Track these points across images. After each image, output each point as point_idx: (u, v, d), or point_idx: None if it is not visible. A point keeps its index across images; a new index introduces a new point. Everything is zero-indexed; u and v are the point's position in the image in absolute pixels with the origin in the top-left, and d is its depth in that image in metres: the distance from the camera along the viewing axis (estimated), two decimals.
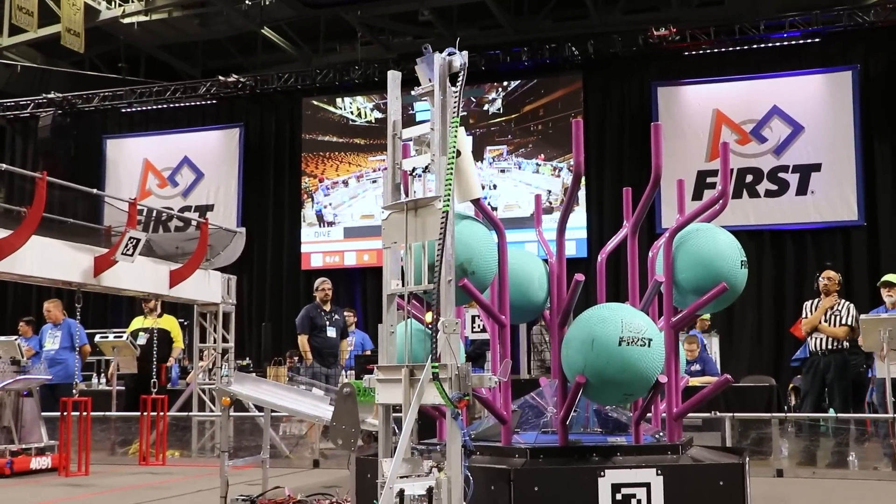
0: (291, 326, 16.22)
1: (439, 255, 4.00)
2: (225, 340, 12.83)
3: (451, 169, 4.11)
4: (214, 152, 20.69)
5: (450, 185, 4.09)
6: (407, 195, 4.53)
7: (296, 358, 14.61)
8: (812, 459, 9.99)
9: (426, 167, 4.37)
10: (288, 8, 18.45)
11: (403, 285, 4.45)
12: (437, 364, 3.98)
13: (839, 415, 10.17)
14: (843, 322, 10.87)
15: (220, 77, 20.05)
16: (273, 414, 11.19)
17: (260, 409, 8.39)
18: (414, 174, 4.48)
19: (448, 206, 4.05)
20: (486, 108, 19.16)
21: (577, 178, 5.33)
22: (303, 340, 11.98)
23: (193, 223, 14.20)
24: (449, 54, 4.37)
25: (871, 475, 9.40)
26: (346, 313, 15.01)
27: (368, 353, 13.57)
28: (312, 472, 9.92)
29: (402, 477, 3.99)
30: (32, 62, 20.86)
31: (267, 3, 18.21)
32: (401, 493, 3.84)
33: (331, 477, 9.62)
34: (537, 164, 18.59)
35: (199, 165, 20.68)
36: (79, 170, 19.40)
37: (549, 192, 17.67)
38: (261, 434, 11.34)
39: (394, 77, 4.56)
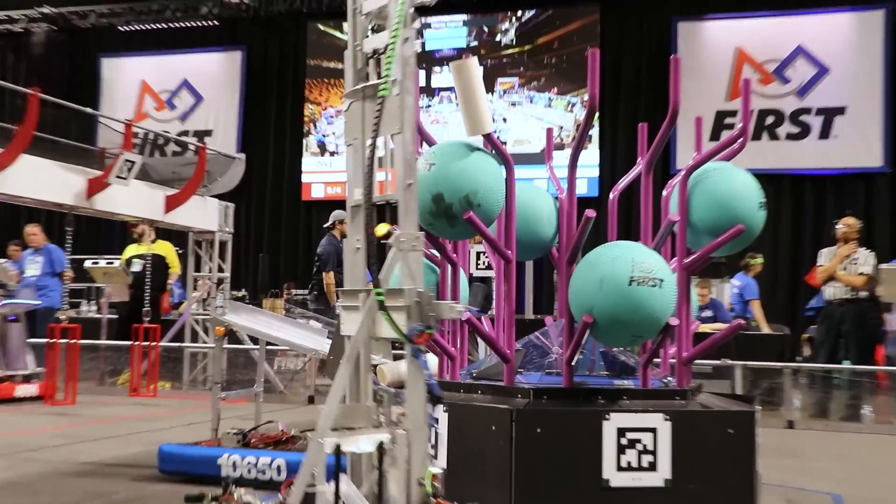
0: (289, 258, 16.31)
1: (370, 155, 3.56)
2: (221, 270, 12.83)
3: (394, 43, 3.50)
4: (215, 76, 20.59)
5: (390, 63, 3.53)
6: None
7: (293, 290, 14.65)
8: (824, 412, 10.03)
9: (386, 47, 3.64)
10: None
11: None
12: (381, 290, 3.40)
13: (854, 366, 10.19)
14: (862, 271, 10.85)
15: None
16: (268, 347, 11.25)
17: (255, 341, 8.37)
18: (374, 56, 3.84)
19: (386, 89, 3.51)
20: (498, 38, 19.01)
21: (592, 112, 5.26)
22: (330, 277, 11.71)
23: (191, 147, 14.09)
24: None
25: (886, 429, 9.46)
26: None
27: None
28: (307, 409, 9.96)
29: (346, 429, 3.48)
30: None
31: None
32: (337, 449, 3.31)
33: None
34: (550, 99, 18.48)
35: (199, 89, 20.60)
36: (73, 89, 19.27)
37: (562, 127, 17.58)
38: (255, 368, 11.38)
39: None
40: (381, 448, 3.35)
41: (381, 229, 3.51)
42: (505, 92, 18.75)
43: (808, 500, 5.42)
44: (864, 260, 10.90)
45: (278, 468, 5.41)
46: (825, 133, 16.89)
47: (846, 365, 10.18)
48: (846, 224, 11.13)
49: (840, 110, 16.89)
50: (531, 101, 18.60)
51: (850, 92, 16.87)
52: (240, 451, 5.58)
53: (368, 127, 3.60)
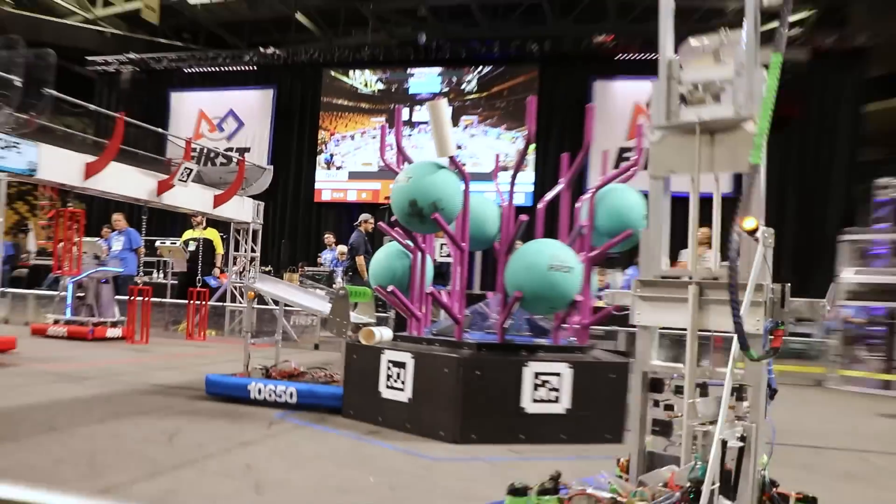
0: (304, 244, 16.29)
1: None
2: (253, 251, 12.81)
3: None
4: (253, 107, 20.52)
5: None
6: None
7: (306, 267, 14.66)
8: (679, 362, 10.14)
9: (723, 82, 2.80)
10: None
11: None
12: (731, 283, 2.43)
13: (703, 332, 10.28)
14: (708, 266, 10.97)
15: (261, 48, 19.98)
16: (286, 308, 11.25)
17: (276, 303, 8.44)
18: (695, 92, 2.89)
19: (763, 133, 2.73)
20: (463, 86, 19.01)
21: (528, 143, 5.32)
22: (361, 260, 11.87)
23: (234, 160, 14.08)
24: None
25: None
26: (327, 235, 15.34)
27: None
28: (314, 353, 9.99)
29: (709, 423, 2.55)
30: (118, 30, 20.74)
31: None
32: (723, 443, 2.40)
33: (327, 357, 9.71)
34: (499, 133, 18.55)
35: (241, 116, 20.53)
36: (149, 115, 19.09)
37: (507, 154, 17.59)
38: (276, 322, 11.43)
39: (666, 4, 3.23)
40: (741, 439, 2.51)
41: (749, 223, 2.63)
42: (466, 126, 18.77)
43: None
44: (712, 258, 11.03)
45: (291, 394, 5.47)
46: None
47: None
48: (702, 232, 11.21)
49: None
50: (485, 134, 18.65)
51: None
52: (263, 380, 5.63)
53: (704, 162, 2.96)
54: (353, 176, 19.37)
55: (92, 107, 10.67)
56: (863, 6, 17.39)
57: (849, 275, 9.29)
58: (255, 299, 6.80)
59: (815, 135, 16.85)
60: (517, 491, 2.74)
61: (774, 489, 2.66)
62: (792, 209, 16.70)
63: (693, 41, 2.97)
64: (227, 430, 4.59)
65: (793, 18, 18.75)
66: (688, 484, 2.46)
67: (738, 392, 2.63)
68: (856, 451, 5.07)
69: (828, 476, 4.20)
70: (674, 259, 11.68)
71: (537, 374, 4.62)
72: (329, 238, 15.36)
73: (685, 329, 2.84)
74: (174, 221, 17.67)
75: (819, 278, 15.94)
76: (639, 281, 2.98)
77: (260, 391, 5.55)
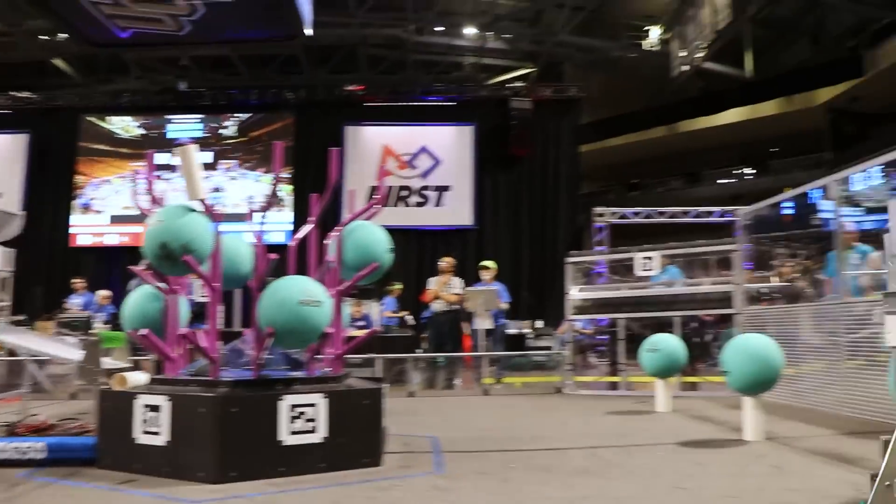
0: (62, 289, 14.82)
1: None
2: (2, 300, 11.48)
3: None
4: (5, 151, 18.61)
5: None
6: None
7: (60, 314, 13.38)
8: (433, 384, 10.32)
9: None
10: (75, 45, 17.09)
11: None
12: None
13: (451, 354, 10.56)
14: (455, 292, 11.33)
15: (15, 92, 18.23)
16: (38, 358, 10.15)
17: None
18: None
19: None
20: (222, 132, 18.41)
21: (276, 183, 5.14)
22: None
23: None
24: None
25: (470, 394, 9.85)
26: (75, 281, 14.07)
27: None
28: (71, 403, 9.07)
29: None
30: None
31: (59, 38, 16.73)
32: None
33: (86, 407, 8.86)
34: (258, 176, 18.11)
35: None
36: None
37: (265, 196, 17.20)
38: (29, 374, 10.27)
39: None
40: None
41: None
42: (227, 169, 18.16)
43: (417, 442, 5.50)
44: (457, 284, 11.39)
45: (39, 449, 4.83)
46: (438, 202, 17.59)
47: (446, 354, 10.55)
48: (446, 261, 11.61)
49: (447, 188, 17.66)
50: (245, 177, 18.15)
51: (453, 176, 17.69)
52: (4, 438, 4.94)
53: None
54: (116, 220, 18.07)
55: None
56: (573, 64, 18.86)
57: (575, 292, 9.87)
58: (2, 351, 6.03)
59: (540, 172, 17.95)
60: None
61: None
62: (527, 236, 17.65)
63: None
64: None
65: (518, 73, 19.98)
66: None
67: None
68: (588, 447, 5.28)
69: (565, 473, 4.32)
70: (423, 286, 11.80)
71: (293, 406, 4.41)
72: (78, 283, 14.04)
73: None
74: None
75: (554, 296, 16.95)
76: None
77: (1, 450, 4.84)
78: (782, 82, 24.13)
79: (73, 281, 14.21)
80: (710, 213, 16.59)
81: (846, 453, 4.67)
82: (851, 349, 5.95)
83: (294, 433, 4.39)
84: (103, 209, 18.15)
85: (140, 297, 5.27)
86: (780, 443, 5.15)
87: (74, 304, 13.47)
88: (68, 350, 5.68)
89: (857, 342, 5.89)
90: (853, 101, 24.14)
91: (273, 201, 5.42)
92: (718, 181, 29.45)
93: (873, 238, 8.52)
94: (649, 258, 9.66)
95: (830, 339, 6.29)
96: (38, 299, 15.00)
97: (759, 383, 5.27)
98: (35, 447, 4.79)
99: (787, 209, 18.27)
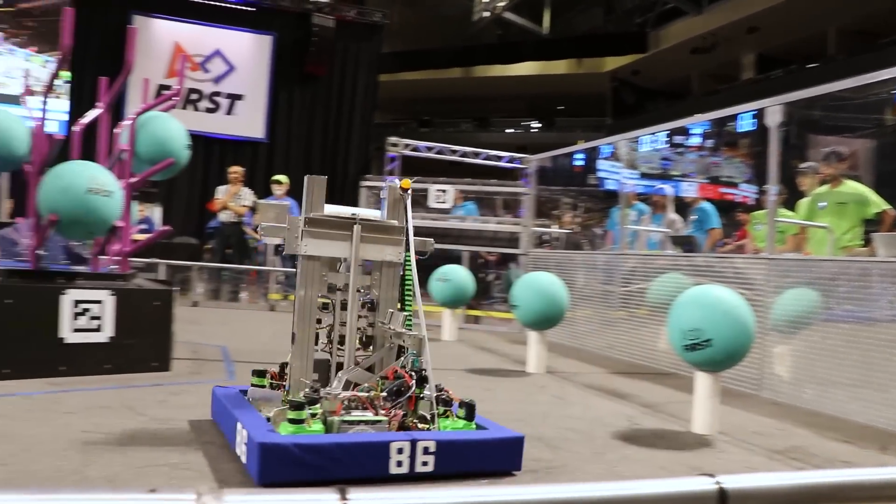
0: None
1: None
2: None
3: None
4: None
5: None
6: None
7: None
8: (217, 295, 10.00)
9: None
10: None
11: None
12: None
13: (236, 265, 10.26)
14: (244, 203, 11.02)
15: None
16: None
17: None
18: None
19: None
20: None
21: (64, 57, 4.59)
22: None
23: None
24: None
25: (253, 307, 9.68)
26: None
27: None
28: None
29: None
30: None
31: None
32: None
33: None
34: (29, 55, 16.25)
35: None
36: None
37: (38, 79, 15.46)
38: None
39: None
40: None
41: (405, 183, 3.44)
42: None
43: (206, 350, 5.32)
44: (246, 196, 11.05)
45: None
46: (230, 111, 16.78)
47: (230, 265, 10.25)
48: (234, 171, 11.21)
49: (240, 97, 16.85)
50: (12, 54, 16.21)
51: (248, 85, 16.90)
52: None
53: None
54: None
55: None
56: None
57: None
58: None
59: (337, 94, 17.63)
60: (259, 373, 3.22)
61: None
62: (318, 157, 17.35)
63: None
64: None
65: None
66: (411, 370, 2.93)
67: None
68: None
69: None
70: (211, 196, 11.34)
71: (77, 303, 4.07)
72: None
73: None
74: None
75: None
76: (307, 218, 3.12)
77: None
78: (575, 44, 25.37)
79: None
80: (499, 158, 17.23)
81: (618, 389, 5.08)
82: (624, 298, 6.41)
83: (77, 331, 4.06)
84: None
85: None
86: (560, 377, 5.50)
87: None
88: None
89: (629, 294, 6.35)
90: (635, 74, 25.94)
91: (55, 79, 4.82)
92: (506, 130, 30.60)
93: (645, 199, 9.32)
94: (444, 191, 9.87)
95: (606, 289, 6.74)
96: None
97: (545, 319, 5.53)
98: None
99: (578, 161, 19.33)
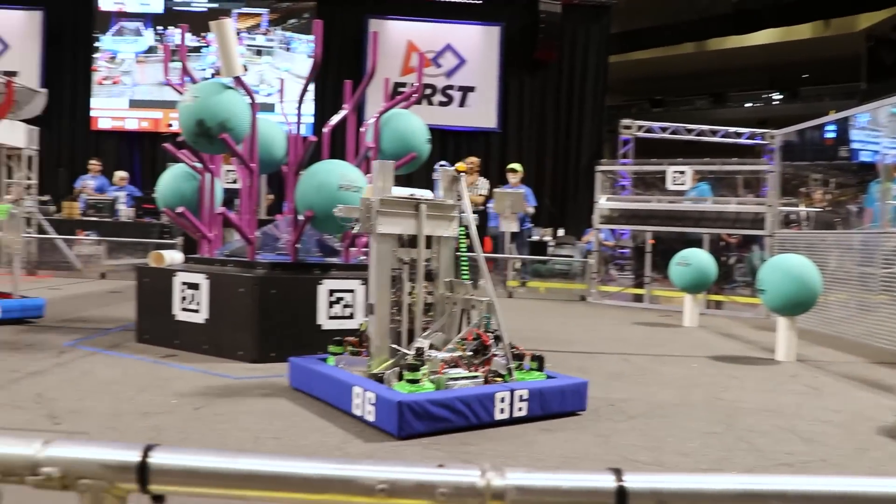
0: (82, 172, 14.76)
1: None
2: (28, 178, 11.46)
3: None
4: (19, 28, 18.19)
5: None
6: None
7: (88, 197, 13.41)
8: None
9: None
10: None
11: None
12: None
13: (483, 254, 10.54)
14: (480, 192, 11.25)
15: None
16: (68, 236, 10.20)
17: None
18: None
19: None
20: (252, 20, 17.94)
21: (316, 65, 4.97)
22: None
23: (1, 80, 12.37)
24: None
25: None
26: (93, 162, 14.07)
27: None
28: (100, 282, 9.17)
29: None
30: None
31: None
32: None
33: (115, 286, 8.96)
34: (280, 69, 17.72)
35: (5, 38, 18.17)
36: None
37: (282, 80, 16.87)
38: (60, 252, 10.37)
39: None
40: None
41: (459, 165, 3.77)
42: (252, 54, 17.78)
43: None
44: (482, 186, 11.30)
45: None
46: (463, 103, 17.27)
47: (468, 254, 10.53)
48: (471, 162, 11.48)
49: (472, 88, 17.29)
50: (270, 64, 17.74)
51: (478, 77, 17.30)
52: None
53: None
54: (134, 104, 17.83)
55: None
56: None
57: (603, 201, 9.76)
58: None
59: (567, 79, 17.55)
60: (337, 342, 3.59)
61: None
62: (550, 144, 17.40)
63: None
64: (12, 361, 4.01)
65: None
66: (488, 332, 3.35)
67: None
68: (619, 354, 5.31)
69: (601, 376, 4.33)
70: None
71: (332, 292, 4.41)
72: (93, 165, 13.99)
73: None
74: None
75: (576, 205, 16.86)
76: (380, 200, 3.37)
77: None
78: (822, 4, 23.19)
79: (90, 162, 14.17)
80: (738, 135, 16.31)
81: (881, 380, 4.63)
82: (887, 281, 5.84)
83: (332, 318, 4.40)
84: (122, 93, 17.88)
85: (175, 175, 5.20)
86: (812, 365, 5.11)
87: (88, 185, 13.47)
88: None
89: (893, 276, 5.77)
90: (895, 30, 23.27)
91: (310, 81, 5.21)
92: (745, 104, 28.81)
93: None
94: (682, 172, 9.51)
95: (864, 271, 6.17)
96: (62, 180, 14.96)
97: (796, 304, 5.15)
98: None
99: (830, 133, 17.85)
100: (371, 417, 2.95)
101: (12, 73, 17.05)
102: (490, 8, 17.48)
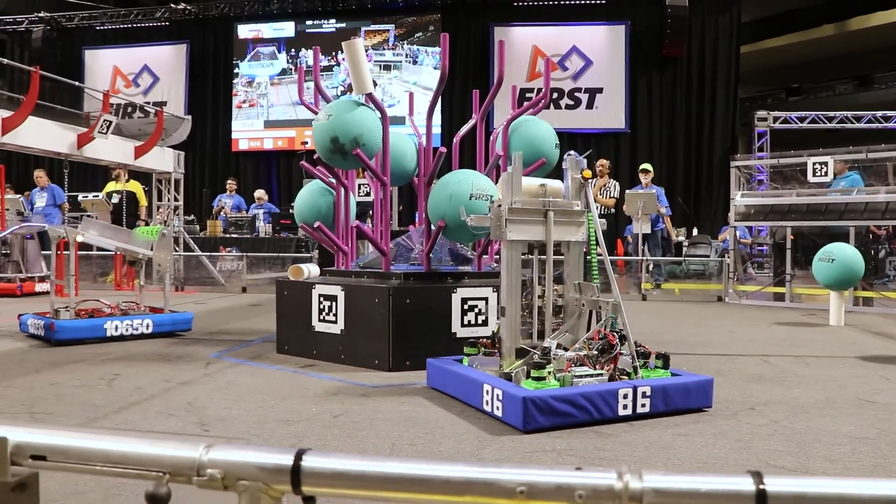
0: (224, 192, 15.62)
1: None
2: (176, 200, 12.23)
3: None
4: (168, 62, 19.51)
5: None
6: None
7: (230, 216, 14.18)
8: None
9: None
10: None
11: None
12: None
13: (611, 257, 10.42)
14: (612, 195, 11.09)
15: (172, 5, 18.98)
16: (212, 254, 10.79)
17: (191, 249, 8.00)
18: None
19: None
20: (379, 37, 18.47)
21: (443, 77, 5.07)
22: None
23: (152, 112, 13.31)
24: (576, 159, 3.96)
25: (626, 297, 9.70)
26: (230, 181, 14.78)
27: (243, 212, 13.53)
28: (241, 296, 9.65)
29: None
30: None
31: None
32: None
33: (255, 299, 9.39)
34: (411, 78, 18.12)
35: (156, 71, 19.52)
36: (63, 74, 17.94)
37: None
38: (205, 268, 10.99)
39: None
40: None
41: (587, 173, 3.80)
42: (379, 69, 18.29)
43: None
44: (614, 188, 11.14)
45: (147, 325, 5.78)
46: (590, 105, 17.09)
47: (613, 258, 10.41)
48: (601, 164, 11.35)
49: (599, 90, 17.09)
50: (399, 79, 18.19)
51: (605, 78, 17.08)
52: (119, 317, 5.80)
53: None
54: (269, 125, 18.71)
55: (4, 60, 9.78)
56: None
57: (738, 198, 9.43)
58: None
59: (697, 73, 17.06)
60: (472, 344, 3.82)
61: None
62: (682, 141, 16.97)
63: None
64: (164, 372, 4.30)
65: None
66: (613, 331, 3.44)
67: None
68: (759, 355, 5.11)
69: (740, 379, 4.19)
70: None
71: (465, 300, 4.47)
72: (231, 185, 14.76)
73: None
74: (95, 175, 16.84)
75: (711, 203, 16.36)
76: (509, 208, 3.50)
77: (116, 328, 5.65)
78: None
79: (227, 181, 14.98)
80: (887, 119, 15.36)
81: None
82: None
83: (465, 325, 4.46)
84: (259, 115, 18.80)
85: (311, 191, 5.41)
86: None
87: (226, 204, 14.23)
88: (144, 245, 6.10)
89: None
90: None
91: (439, 94, 5.30)
92: (894, 85, 26.95)
93: None
94: (824, 163, 9.06)
95: None
96: (207, 201, 15.88)
97: None
98: (144, 323, 5.74)
99: None
100: (499, 413, 3.13)
101: (162, 104, 18.37)
102: (615, 7, 17.24)
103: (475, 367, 3.63)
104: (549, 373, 3.23)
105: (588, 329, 3.61)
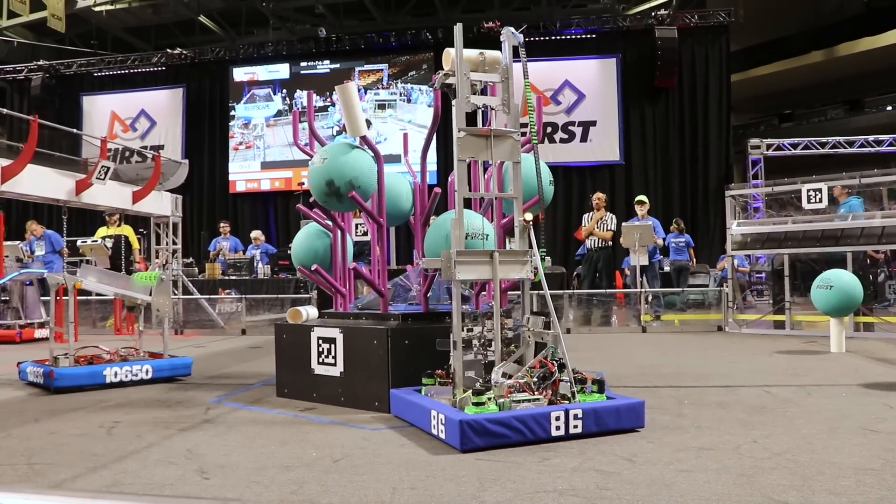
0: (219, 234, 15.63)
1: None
2: (174, 243, 12.25)
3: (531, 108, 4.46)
4: (164, 106, 19.68)
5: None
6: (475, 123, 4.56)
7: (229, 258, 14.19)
8: (588, 321, 10.23)
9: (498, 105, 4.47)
10: (219, 0, 17.97)
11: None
12: None
13: (606, 290, 10.43)
14: (609, 228, 11.13)
15: (168, 50, 19.22)
16: (211, 297, 10.79)
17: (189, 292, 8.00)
18: (482, 109, 4.70)
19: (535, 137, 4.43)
20: (369, 72, 18.65)
21: (436, 117, 5.11)
22: None
23: (149, 156, 13.37)
24: (512, 33, 4.46)
25: (625, 330, 9.70)
26: (223, 224, 14.84)
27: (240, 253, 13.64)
28: (240, 338, 9.63)
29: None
30: (25, 39, 19.84)
31: None
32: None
33: (254, 341, 9.37)
34: (403, 122, 18.26)
35: (153, 115, 19.69)
36: (62, 120, 18.09)
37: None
38: (204, 311, 10.97)
39: (458, 30, 4.40)
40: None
41: (527, 216, 4.27)
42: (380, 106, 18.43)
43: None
44: (610, 221, 11.18)
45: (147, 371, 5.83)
46: (584, 138, 17.21)
47: (600, 290, 10.40)
48: (598, 198, 11.40)
49: (593, 123, 17.22)
50: (392, 118, 18.33)
51: (598, 111, 17.22)
52: (119, 363, 5.77)
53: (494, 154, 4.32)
54: (266, 166, 18.81)
55: (4, 110, 9.87)
56: None
57: (734, 227, 9.47)
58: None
59: (689, 103, 17.21)
60: (428, 375, 4.14)
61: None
62: (676, 171, 17.06)
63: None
64: (164, 418, 4.29)
65: (659, 1, 19.10)
66: (552, 360, 3.78)
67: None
68: (761, 386, 5.11)
69: (741, 411, 4.18)
70: (571, 224, 11.80)
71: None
72: (224, 227, 14.79)
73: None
74: (91, 220, 16.89)
75: (707, 232, 16.40)
76: (456, 251, 3.87)
77: (116, 374, 5.65)
78: None
79: (220, 224, 15.02)
80: (879, 143, 15.47)
81: None
82: None
83: None
84: (256, 157, 18.91)
85: (308, 234, 5.44)
86: None
87: (223, 246, 14.26)
88: (141, 291, 6.11)
89: None
90: None
91: (433, 133, 5.35)
92: (885, 108, 27.15)
93: None
94: (818, 190, 9.11)
95: None
96: (204, 243, 15.91)
97: None
98: (144, 369, 5.74)
99: None
100: (443, 435, 3.50)
101: (160, 147, 18.53)
102: (605, 40, 17.45)
103: (430, 395, 3.98)
104: (489, 399, 3.56)
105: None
